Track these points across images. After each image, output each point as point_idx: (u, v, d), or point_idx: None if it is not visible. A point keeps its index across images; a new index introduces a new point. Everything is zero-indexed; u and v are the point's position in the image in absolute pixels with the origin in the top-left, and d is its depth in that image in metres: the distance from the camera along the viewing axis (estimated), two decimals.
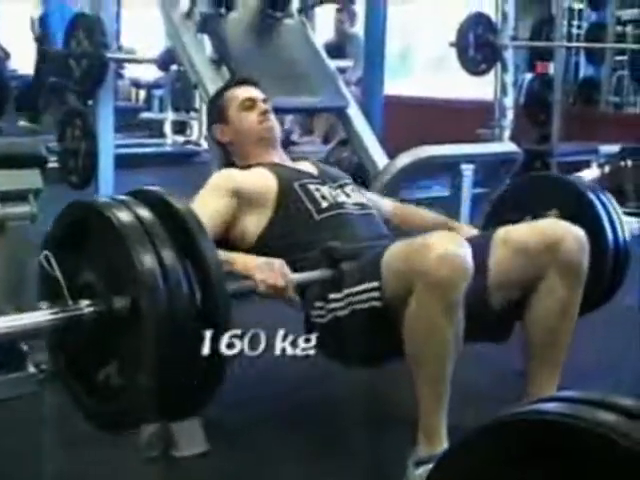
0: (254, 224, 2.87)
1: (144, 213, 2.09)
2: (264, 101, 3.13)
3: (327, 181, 3.01)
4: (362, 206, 2.97)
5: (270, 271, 2.50)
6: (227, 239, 2.86)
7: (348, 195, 2.99)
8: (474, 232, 3.04)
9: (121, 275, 2.03)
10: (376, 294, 2.53)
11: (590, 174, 6.75)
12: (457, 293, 2.37)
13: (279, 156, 3.11)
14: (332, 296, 2.64)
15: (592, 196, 3.16)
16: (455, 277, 2.35)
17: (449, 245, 2.39)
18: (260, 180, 2.92)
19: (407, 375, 2.50)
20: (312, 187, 2.93)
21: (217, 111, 3.17)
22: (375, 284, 2.54)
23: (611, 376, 3.34)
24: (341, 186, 3.02)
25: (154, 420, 2.24)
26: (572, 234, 2.70)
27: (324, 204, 2.88)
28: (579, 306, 2.74)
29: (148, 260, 1.97)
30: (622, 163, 6.96)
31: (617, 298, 2.76)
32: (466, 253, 2.39)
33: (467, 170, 3.33)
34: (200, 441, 2.74)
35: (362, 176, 4.35)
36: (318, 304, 2.70)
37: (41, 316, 2.08)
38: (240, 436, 2.92)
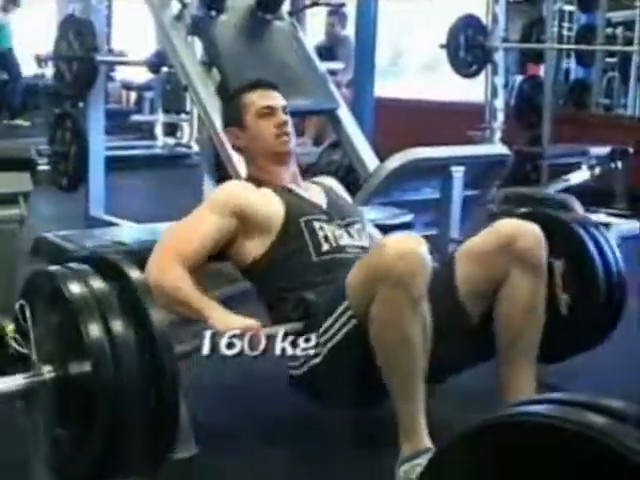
0: (252, 247, 2.83)
1: (97, 284, 2.18)
2: (284, 109, 3.00)
3: (334, 218, 2.93)
4: (364, 249, 2.89)
5: (243, 325, 2.50)
6: (222, 252, 2.84)
7: (352, 237, 2.92)
8: None
9: (75, 344, 2.12)
10: (348, 313, 2.54)
11: (580, 176, 6.76)
12: (418, 286, 2.40)
13: (291, 174, 3.01)
14: (303, 345, 2.59)
15: (583, 233, 3.16)
16: (414, 270, 2.38)
17: (404, 242, 2.43)
18: (267, 206, 2.85)
19: None
20: (317, 225, 2.86)
21: (233, 113, 3.04)
22: (344, 305, 2.55)
23: (602, 378, 3.34)
24: (347, 225, 2.95)
25: (118, 475, 2.29)
26: (526, 230, 2.72)
27: (325, 247, 2.83)
28: (543, 303, 2.75)
29: (96, 330, 2.08)
30: (612, 165, 6.98)
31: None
32: (421, 247, 2.42)
33: (457, 172, 3.33)
34: (190, 444, 2.74)
35: (353, 178, 4.35)
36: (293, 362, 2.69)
37: (8, 382, 2.20)
38: (230, 440, 2.92)
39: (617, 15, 10.18)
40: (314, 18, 8.57)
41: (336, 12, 8.52)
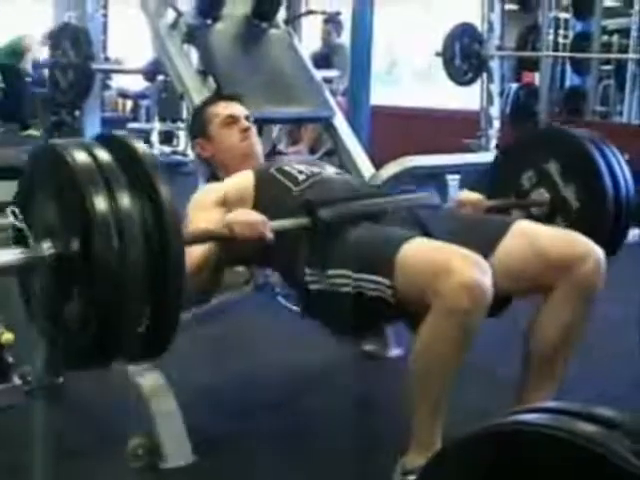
0: None
1: (103, 156, 2.08)
2: (246, 118, 3.14)
3: (304, 162, 3.07)
4: (340, 172, 3.06)
5: (248, 217, 2.55)
6: None
7: (324, 168, 3.03)
8: (487, 203, 3.07)
9: (78, 218, 2.03)
10: (389, 292, 2.46)
11: None
12: (476, 322, 2.33)
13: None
14: (332, 272, 2.59)
15: (593, 148, 3.14)
16: (475, 307, 2.31)
17: (472, 272, 2.32)
18: (239, 178, 2.96)
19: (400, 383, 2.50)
20: (287, 167, 2.95)
21: (199, 126, 3.18)
22: (387, 282, 2.46)
23: (594, 386, 3.35)
24: (318, 165, 3.07)
25: (119, 358, 2.25)
26: (594, 256, 2.60)
27: (300, 177, 2.89)
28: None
29: (101, 203, 1.97)
30: None
31: (601, 310, 2.76)
32: (488, 279, 2.34)
33: (453, 180, 3.34)
34: (186, 452, 2.74)
35: None
36: (312, 271, 2.66)
37: (4, 255, 2.12)
38: (227, 447, 2.92)
39: (612, 23, 10.23)
40: (310, 26, 8.58)
41: (332, 20, 8.54)
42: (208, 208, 2.86)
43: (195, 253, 2.54)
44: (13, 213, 2.21)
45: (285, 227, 2.64)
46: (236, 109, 3.16)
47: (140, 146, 2.16)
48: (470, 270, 2.33)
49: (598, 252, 2.61)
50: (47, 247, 2.10)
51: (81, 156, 2.06)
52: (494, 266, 2.50)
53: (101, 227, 1.96)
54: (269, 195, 2.87)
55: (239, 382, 3.39)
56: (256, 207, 2.81)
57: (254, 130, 3.15)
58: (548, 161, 3.08)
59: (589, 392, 3.21)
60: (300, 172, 2.92)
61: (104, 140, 2.18)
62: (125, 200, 2.01)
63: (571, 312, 2.61)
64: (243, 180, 2.95)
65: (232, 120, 3.12)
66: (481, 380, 2.91)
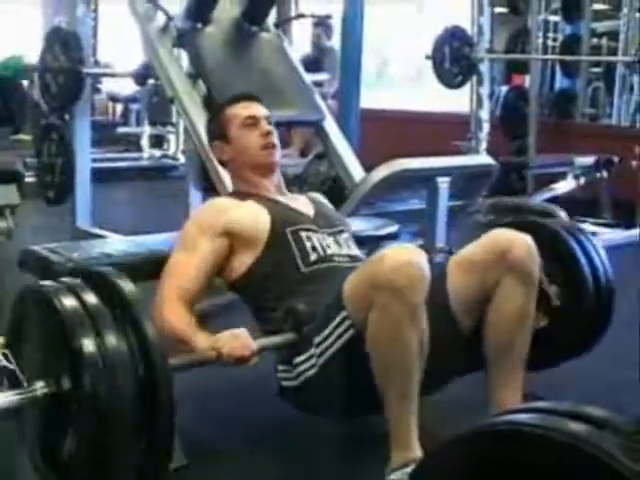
0: (240, 261, 2.83)
1: (89, 298, 2.18)
2: (267, 119, 3.02)
3: (321, 226, 2.94)
4: (352, 258, 2.92)
5: (236, 344, 2.48)
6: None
7: (340, 245, 2.93)
8: None
9: (68, 358, 2.12)
10: (347, 323, 2.53)
11: (566, 186, 6.79)
12: (417, 298, 2.39)
13: (276, 186, 3.04)
14: (298, 359, 2.64)
15: (570, 239, 3.16)
16: (413, 282, 2.38)
17: (403, 253, 2.42)
18: (253, 219, 2.85)
19: None
20: (304, 235, 2.87)
21: (217, 128, 3.06)
22: (342, 314, 2.54)
23: (586, 386, 3.36)
24: (335, 234, 2.96)
25: None
26: (519, 241, 2.73)
27: (313, 257, 2.83)
28: (533, 313, 2.77)
29: (89, 345, 2.07)
30: (597, 175, 7.01)
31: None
32: (421, 258, 2.43)
33: (443, 183, 3.34)
34: (178, 455, 2.74)
35: (339, 190, 4.36)
36: (283, 368, 2.71)
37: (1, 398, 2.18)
38: (218, 451, 2.92)
39: (601, 25, 10.25)
40: (300, 29, 8.59)
41: (322, 24, 8.55)
42: (214, 234, 2.79)
43: (175, 326, 2.59)
44: (5, 356, 2.27)
45: (270, 345, 2.67)
46: (257, 110, 3.03)
47: (123, 283, 2.22)
48: (401, 252, 2.44)
49: (522, 237, 2.75)
50: (40, 387, 2.17)
51: (68, 301, 2.16)
52: (455, 309, 2.74)
53: (90, 366, 2.06)
54: (277, 261, 2.82)
55: (229, 385, 3.39)
56: (260, 262, 2.81)
57: (276, 135, 3.02)
58: None
59: (578, 392, 3.23)
60: (314, 249, 2.85)
61: (89, 277, 2.28)
62: (112, 339, 2.10)
63: (516, 296, 2.71)
64: (256, 221, 2.85)
65: (253, 121, 2.99)
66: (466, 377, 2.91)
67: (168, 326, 2.59)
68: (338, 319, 2.55)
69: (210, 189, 4.00)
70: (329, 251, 2.88)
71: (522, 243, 2.73)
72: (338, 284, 2.63)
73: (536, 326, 2.82)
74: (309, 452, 2.90)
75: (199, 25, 4.46)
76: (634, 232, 6.57)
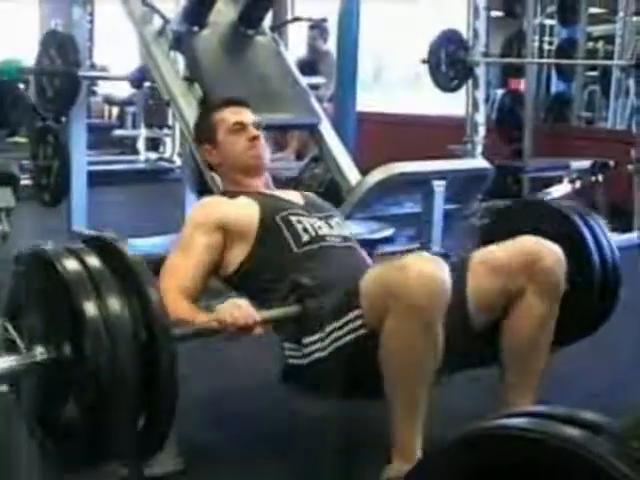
0: (235, 254, 2.84)
1: (92, 262, 2.15)
2: (256, 125, 3.06)
3: (311, 212, 2.97)
4: (345, 239, 2.94)
5: (238, 313, 2.48)
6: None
7: (331, 227, 2.95)
8: None
9: (70, 323, 2.10)
10: (359, 322, 2.52)
11: (562, 189, 6.80)
12: (436, 313, 2.37)
13: (265, 185, 3.07)
14: (308, 339, 2.63)
15: (579, 221, 3.16)
16: (433, 298, 2.35)
17: (426, 266, 2.39)
18: (243, 211, 2.88)
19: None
20: (294, 219, 2.89)
21: (205, 131, 3.11)
22: (356, 312, 2.53)
23: (582, 390, 3.36)
24: (326, 217, 2.98)
25: (110, 460, 2.28)
26: (549, 251, 2.72)
27: (305, 237, 2.85)
28: (554, 324, 2.76)
29: (91, 309, 2.05)
30: (593, 178, 7.01)
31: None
32: (444, 273, 2.39)
33: (439, 186, 3.34)
34: (174, 459, 2.73)
35: (335, 193, 4.36)
36: (291, 346, 2.69)
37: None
38: (215, 454, 2.92)
39: (597, 29, 10.26)
40: (296, 33, 8.60)
41: (318, 27, 8.56)
42: (206, 231, 2.81)
43: (179, 313, 2.57)
44: (3, 325, 2.26)
45: (274, 317, 2.67)
46: (245, 116, 3.08)
47: (128, 249, 2.21)
48: (423, 264, 2.40)
49: (553, 247, 2.74)
50: (40, 352, 2.15)
51: (71, 264, 2.12)
52: (471, 308, 2.71)
53: (92, 331, 2.03)
54: (270, 247, 2.83)
55: (225, 387, 3.39)
56: (254, 251, 2.83)
57: (263, 139, 3.06)
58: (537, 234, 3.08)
59: (578, 393, 3.23)
60: (305, 230, 2.86)
61: (92, 243, 2.25)
62: (115, 304, 2.08)
63: (539, 306, 2.70)
64: (247, 214, 2.88)
65: (240, 127, 3.04)
66: (464, 383, 2.91)
67: (171, 314, 2.57)
68: (352, 315, 2.54)
69: (206, 192, 3.99)
70: (320, 232, 2.90)
71: (552, 254, 2.72)
72: (336, 263, 2.71)
73: None
74: (306, 456, 2.90)
75: (195, 28, 4.46)
76: (630, 236, 6.59)
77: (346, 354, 2.56)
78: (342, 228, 3.00)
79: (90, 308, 2.04)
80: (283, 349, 2.73)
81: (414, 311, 2.35)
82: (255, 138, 3.02)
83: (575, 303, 2.97)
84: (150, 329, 2.10)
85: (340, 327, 2.57)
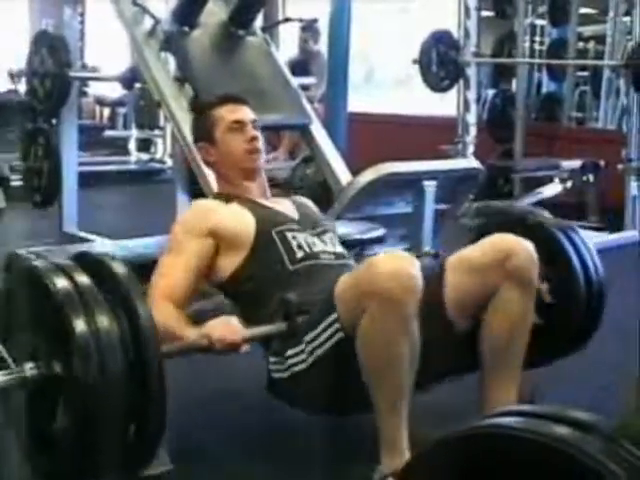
0: (226, 262, 2.83)
1: (81, 279, 2.17)
2: (253, 123, 3.00)
3: (306, 227, 2.95)
4: (338, 256, 2.93)
5: (226, 330, 2.50)
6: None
7: (325, 243, 2.93)
8: None
9: (59, 339, 2.12)
10: (336, 325, 2.53)
11: (552, 189, 6.80)
12: (409, 306, 2.39)
13: (261, 189, 3.03)
14: (290, 352, 2.64)
15: (562, 236, 3.16)
16: (405, 291, 2.37)
17: (394, 261, 2.42)
18: (238, 221, 2.85)
19: None
20: (289, 235, 2.87)
21: (203, 129, 3.04)
22: (332, 317, 2.54)
23: (574, 389, 3.36)
24: (319, 234, 2.96)
25: (99, 475, 2.28)
26: (521, 247, 2.74)
27: (299, 254, 2.84)
28: (531, 319, 2.77)
29: (81, 326, 2.06)
30: (584, 178, 7.02)
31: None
32: (413, 268, 2.42)
33: (429, 186, 3.34)
34: (164, 460, 2.73)
35: (326, 193, 4.36)
36: (274, 359, 2.70)
37: None
38: (205, 455, 2.91)
39: (588, 30, 10.28)
40: (287, 33, 8.59)
41: (309, 27, 8.54)
42: (197, 236, 2.79)
43: (167, 325, 2.55)
44: None
45: (262, 334, 2.68)
46: (244, 114, 3.01)
47: (117, 264, 2.22)
48: (393, 260, 2.43)
49: (524, 244, 2.75)
50: (29, 367, 2.16)
51: (60, 281, 2.14)
52: (450, 310, 2.74)
53: (81, 348, 2.05)
54: (264, 261, 2.82)
55: (215, 389, 3.39)
56: (247, 263, 2.81)
57: (261, 139, 3.01)
58: None
59: (567, 395, 3.23)
60: (299, 247, 2.85)
61: (82, 259, 2.26)
62: (104, 321, 2.09)
63: (514, 302, 2.71)
64: (242, 224, 2.85)
65: (239, 126, 2.97)
66: (447, 381, 2.91)
67: (158, 324, 2.58)
68: (329, 320, 2.55)
69: (198, 195, 3.99)
70: (315, 249, 2.88)
71: (524, 250, 2.73)
72: (327, 281, 2.65)
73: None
74: (296, 456, 2.89)
75: (186, 29, 4.46)
76: (620, 236, 6.60)
77: (327, 364, 2.57)
78: (335, 244, 2.99)
79: (79, 325, 2.06)
80: (268, 363, 2.74)
81: (387, 305, 2.37)
82: (253, 138, 2.98)
83: (559, 321, 2.99)
84: (139, 346, 2.12)
85: (318, 334, 2.57)
